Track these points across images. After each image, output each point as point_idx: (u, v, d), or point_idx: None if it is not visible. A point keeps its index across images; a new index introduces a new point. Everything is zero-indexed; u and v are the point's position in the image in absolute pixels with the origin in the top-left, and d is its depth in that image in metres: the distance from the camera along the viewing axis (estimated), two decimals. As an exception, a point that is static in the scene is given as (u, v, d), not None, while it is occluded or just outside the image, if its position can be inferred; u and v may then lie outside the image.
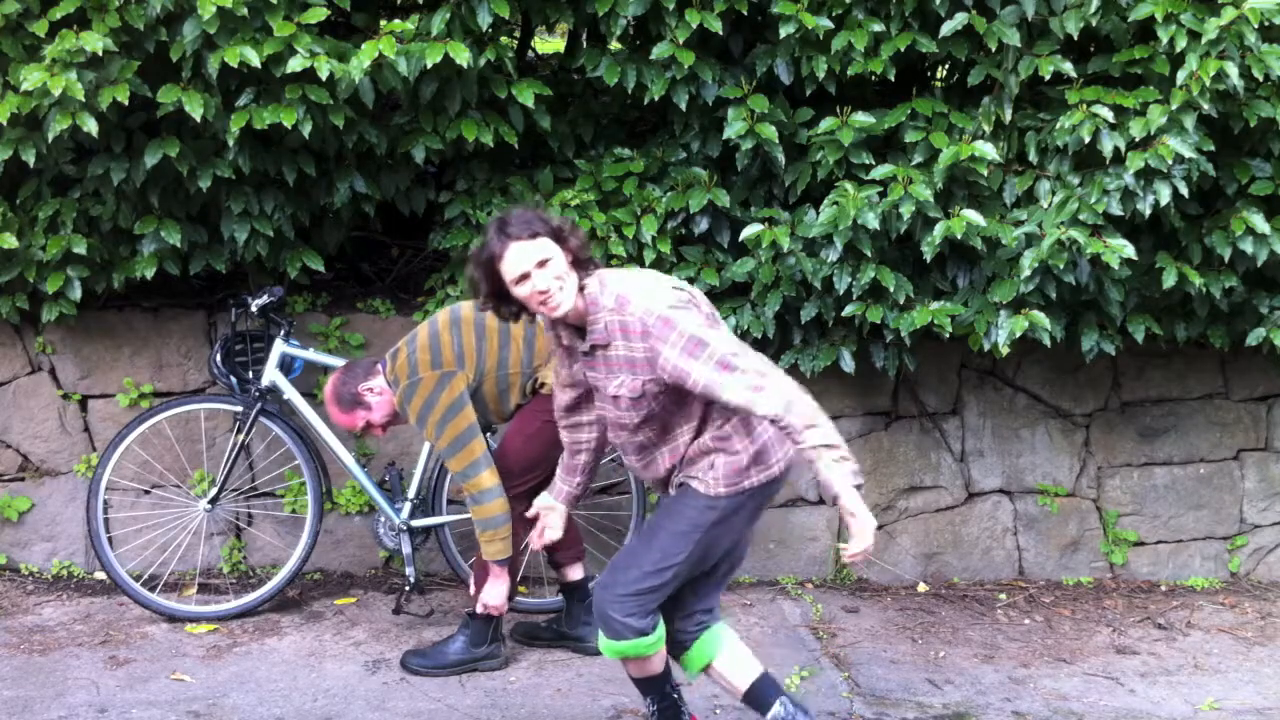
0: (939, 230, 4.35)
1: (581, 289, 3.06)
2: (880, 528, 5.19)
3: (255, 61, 4.07)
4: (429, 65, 4.22)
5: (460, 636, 4.24)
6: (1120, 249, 4.25)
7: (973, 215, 4.36)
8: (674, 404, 3.13)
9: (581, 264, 3.06)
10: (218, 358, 4.65)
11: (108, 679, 4.12)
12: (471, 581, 4.27)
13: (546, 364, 4.03)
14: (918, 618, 4.84)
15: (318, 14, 4.18)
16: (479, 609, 4.16)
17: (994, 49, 4.44)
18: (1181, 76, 4.21)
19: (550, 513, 3.64)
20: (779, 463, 3.21)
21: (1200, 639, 4.74)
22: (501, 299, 3.09)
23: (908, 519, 5.22)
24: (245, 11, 4.06)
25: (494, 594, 4.12)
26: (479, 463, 3.95)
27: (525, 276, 3.01)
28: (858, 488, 2.89)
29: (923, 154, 4.51)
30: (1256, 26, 4.12)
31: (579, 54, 4.84)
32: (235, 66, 4.07)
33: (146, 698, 3.99)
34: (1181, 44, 4.19)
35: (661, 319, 2.96)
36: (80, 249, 4.48)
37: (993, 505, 5.26)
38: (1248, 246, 4.42)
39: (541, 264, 3.00)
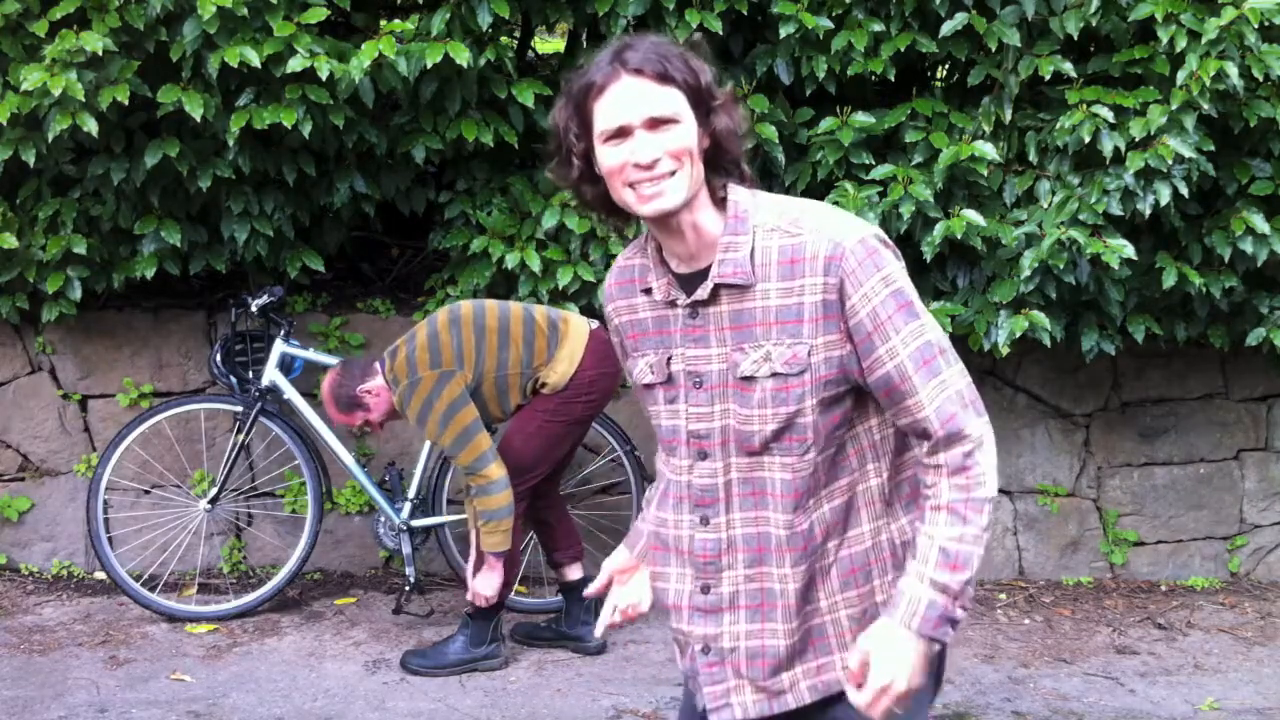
0: (939, 230, 4.35)
1: (716, 198, 1.89)
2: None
3: (255, 61, 4.07)
4: (429, 65, 4.22)
5: (460, 636, 4.24)
6: (1120, 249, 4.25)
7: (973, 215, 4.36)
8: (841, 420, 1.90)
9: (723, 162, 1.88)
10: (218, 358, 4.65)
11: (108, 679, 4.12)
12: (468, 576, 4.27)
13: (546, 365, 4.02)
14: (918, 618, 4.83)
15: (318, 14, 4.18)
16: (469, 596, 4.16)
17: (994, 49, 4.44)
18: (1181, 76, 4.21)
19: (628, 577, 2.24)
20: None
21: (1200, 639, 4.74)
22: (584, 163, 1.89)
23: (908, 519, 5.22)
24: (245, 11, 4.06)
25: (486, 584, 4.10)
26: (486, 455, 3.95)
27: (624, 132, 1.81)
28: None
29: (923, 154, 4.51)
30: (1256, 26, 4.12)
31: (579, 54, 4.84)
32: (235, 66, 4.07)
33: (146, 698, 3.99)
34: (1181, 44, 4.19)
35: (870, 250, 1.81)
36: (80, 249, 4.48)
37: (993, 505, 5.25)
38: (1248, 246, 4.42)
39: (656, 123, 1.80)
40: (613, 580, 2.22)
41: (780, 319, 1.85)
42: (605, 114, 1.83)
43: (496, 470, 3.96)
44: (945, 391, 1.81)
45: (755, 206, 1.89)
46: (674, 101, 1.81)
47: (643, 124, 1.80)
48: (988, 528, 1.86)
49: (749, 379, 1.86)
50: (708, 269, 1.88)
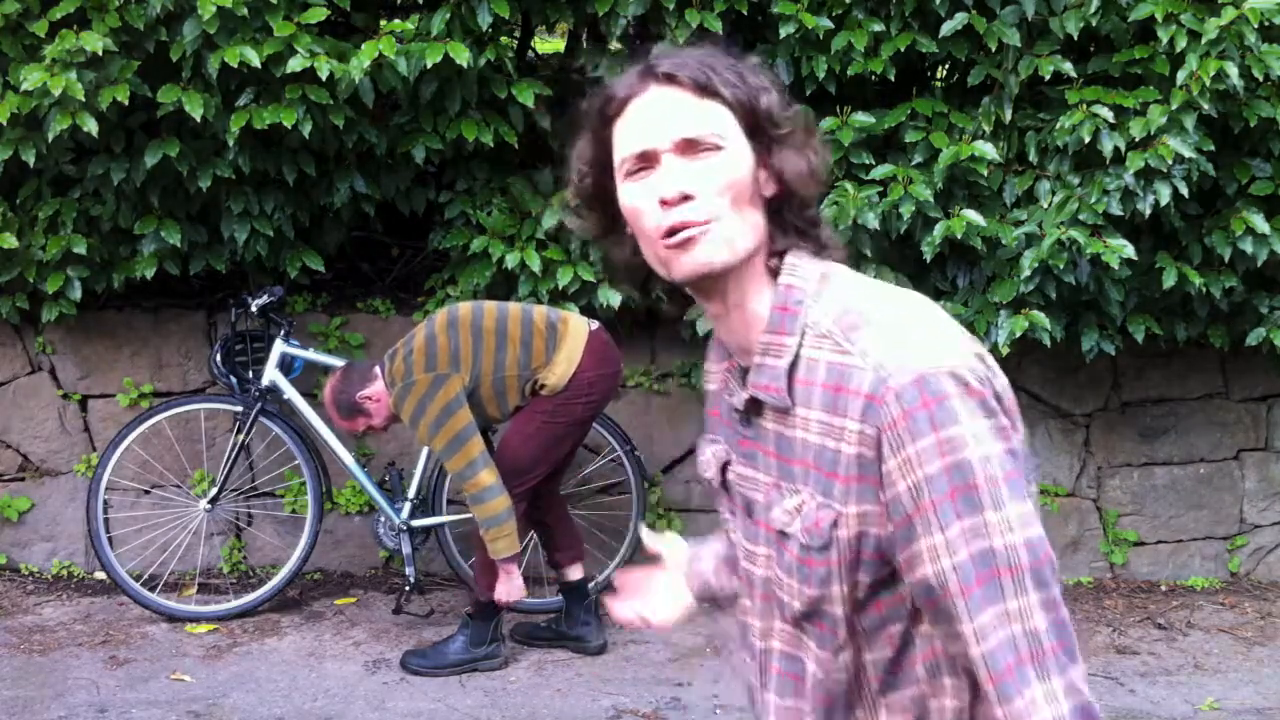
0: (939, 230, 4.35)
1: (774, 264, 1.38)
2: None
3: (255, 61, 4.07)
4: (429, 65, 4.22)
5: (460, 636, 4.24)
6: (1120, 249, 4.25)
7: (973, 215, 4.35)
8: (894, 614, 1.35)
9: (789, 218, 1.38)
10: (218, 358, 4.65)
11: (108, 679, 4.12)
12: (472, 580, 4.27)
13: (545, 366, 4.02)
14: (918, 618, 4.83)
15: (318, 14, 4.17)
16: (498, 601, 4.13)
17: (994, 49, 4.43)
18: (1181, 76, 4.21)
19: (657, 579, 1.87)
20: None
21: (1200, 639, 4.74)
22: (605, 211, 1.42)
23: (908, 519, 5.21)
24: (245, 11, 4.06)
25: (509, 590, 4.09)
26: (476, 462, 3.94)
27: (649, 160, 1.34)
28: None
29: (923, 154, 4.51)
30: (1256, 26, 4.12)
31: (579, 54, 4.84)
32: (235, 66, 4.07)
33: (146, 698, 3.99)
34: (1181, 44, 4.19)
35: (933, 396, 1.25)
36: (80, 249, 4.48)
37: None
38: (1248, 246, 4.42)
39: (691, 145, 1.33)
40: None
41: (818, 463, 1.33)
42: (625, 136, 1.35)
43: (487, 477, 3.95)
44: (1005, 630, 1.22)
45: (815, 294, 1.35)
46: (717, 119, 1.33)
47: (673, 146, 1.32)
48: None
49: (783, 534, 1.38)
50: None
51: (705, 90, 1.33)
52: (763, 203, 1.36)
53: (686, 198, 1.31)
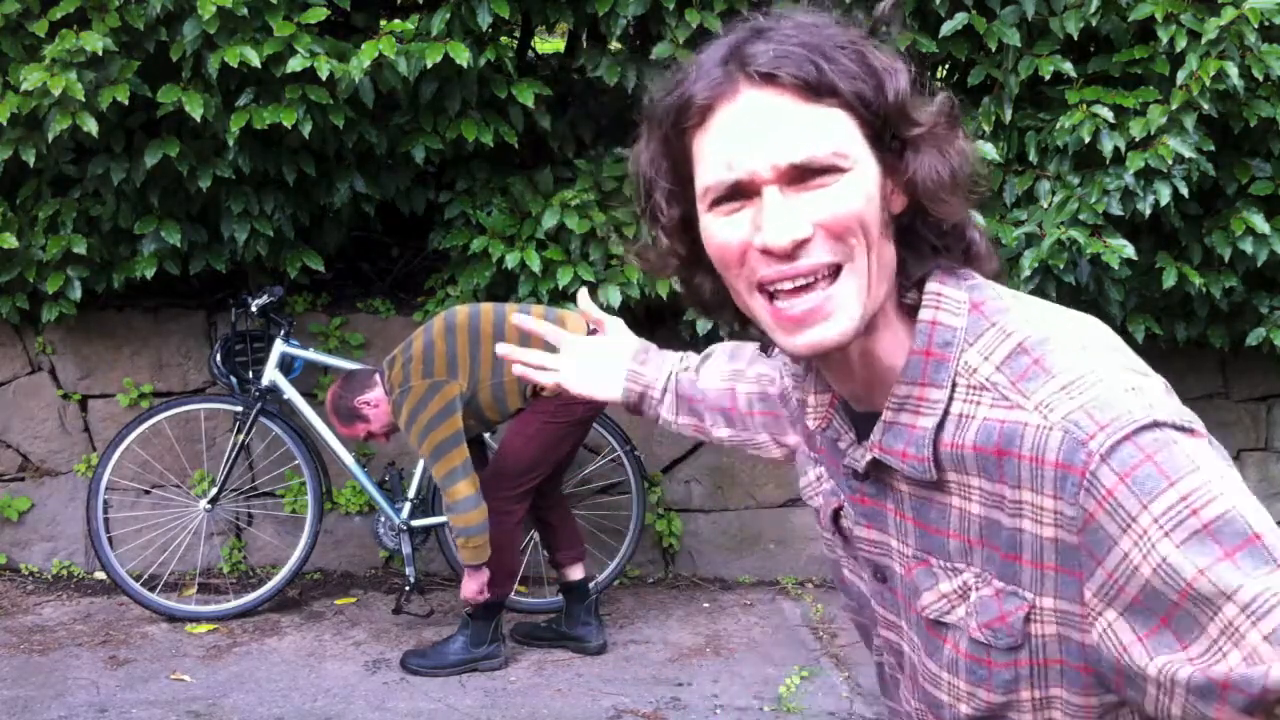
0: (939, 230, 4.35)
1: (911, 296, 1.11)
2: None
3: (255, 61, 4.07)
4: (429, 65, 4.22)
5: (460, 636, 4.24)
6: (1120, 249, 4.25)
7: (973, 215, 4.34)
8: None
9: (926, 236, 1.11)
10: (218, 358, 4.65)
11: (108, 679, 4.12)
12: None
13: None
14: (918, 618, 4.83)
15: (318, 14, 4.17)
16: (462, 600, 4.16)
17: (994, 49, 4.43)
18: (1181, 76, 4.21)
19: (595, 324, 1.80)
20: None
21: (1200, 639, 4.74)
22: (683, 239, 1.13)
23: (908, 519, 5.21)
24: (245, 11, 4.06)
25: (471, 588, 4.12)
26: (456, 472, 3.94)
27: (745, 191, 1.03)
28: None
29: (923, 154, 4.50)
30: (1256, 26, 4.12)
31: (579, 54, 4.83)
32: (235, 66, 4.07)
33: (146, 698, 3.99)
34: (1181, 44, 4.19)
35: (1153, 450, 0.95)
36: (80, 249, 4.47)
37: None
38: (1248, 246, 4.42)
39: (803, 173, 1.02)
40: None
41: (990, 541, 1.06)
42: (711, 157, 1.04)
43: (466, 488, 3.95)
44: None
45: (969, 329, 1.07)
46: (837, 131, 1.02)
47: (777, 176, 1.01)
48: None
49: (938, 624, 1.11)
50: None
51: (818, 91, 1.00)
52: (892, 224, 1.06)
53: (801, 245, 1.00)
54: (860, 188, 1.02)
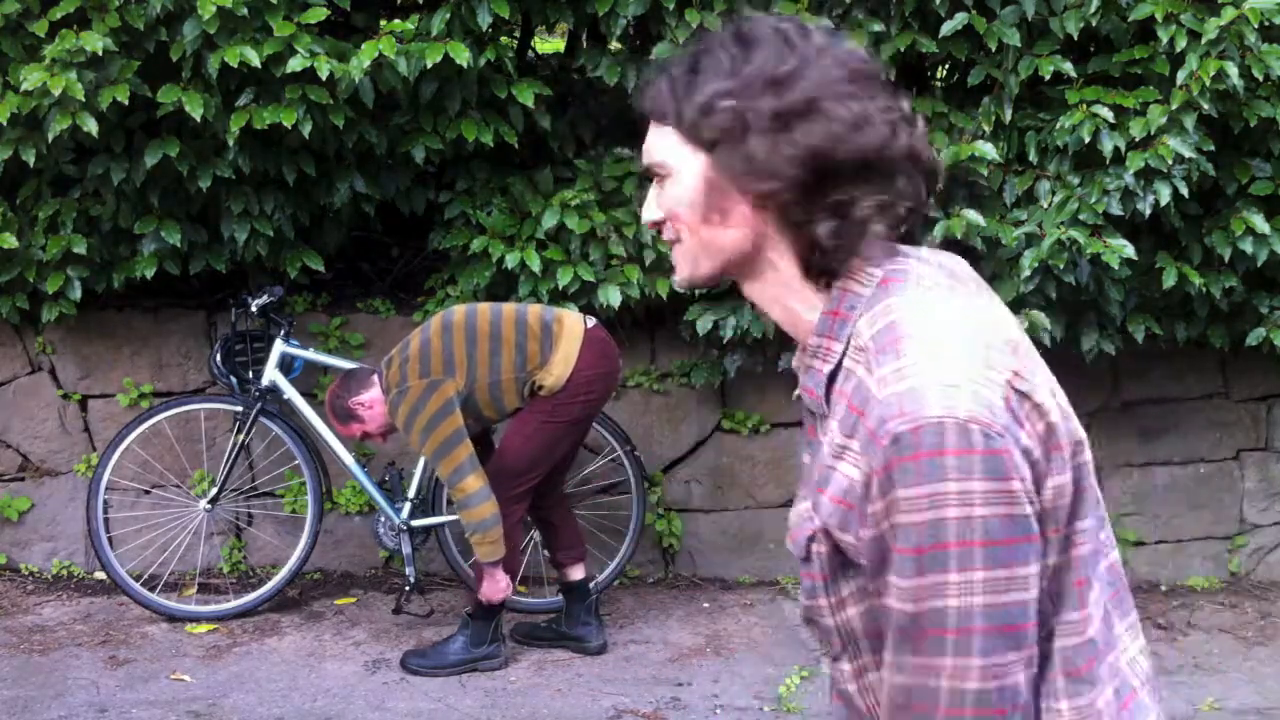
0: (939, 230, 4.35)
1: (830, 265, 1.29)
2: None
3: (255, 61, 4.07)
4: (429, 65, 4.22)
5: (460, 636, 4.24)
6: (1120, 249, 4.25)
7: (973, 215, 4.35)
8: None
9: (795, 205, 1.25)
10: (218, 358, 4.65)
11: (108, 679, 4.12)
12: (472, 580, 4.27)
13: (541, 368, 4.02)
14: (918, 618, 4.83)
15: (318, 14, 4.18)
16: (483, 601, 4.15)
17: (994, 49, 4.43)
18: (1181, 76, 4.21)
19: None
20: None
21: (1200, 639, 4.74)
22: None
23: (908, 519, 5.21)
24: (245, 11, 4.06)
25: (493, 589, 4.11)
26: (463, 467, 3.94)
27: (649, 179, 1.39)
28: None
29: (923, 154, 4.50)
30: (1256, 26, 4.12)
31: (579, 54, 4.84)
32: (235, 66, 4.07)
33: (146, 698, 3.99)
34: (1181, 44, 4.19)
35: (935, 447, 1.17)
36: (80, 249, 4.47)
37: None
38: (1248, 246, 4.42)
39: (657, 175, 1.34)
40: None
41: (821, 476, 1.29)
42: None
43: (474, 482, 3.95)
44: (934, 682, 1.19)
45: (871, 299, 1.28)
46: (663, 144, 1.31)
47: (651, 174, 1.34)
48: None
49: (792, 533, 1.36)
50: None
51: (655, 116, 1.31)
52: (755, 209, 1.27)
53: (658, 225, 1.35)
54: (675, 189, 1.30)
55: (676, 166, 1.29)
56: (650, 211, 1.35)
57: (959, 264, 1.37)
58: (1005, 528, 1.16)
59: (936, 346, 1.20)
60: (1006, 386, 1.20)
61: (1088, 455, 1.29)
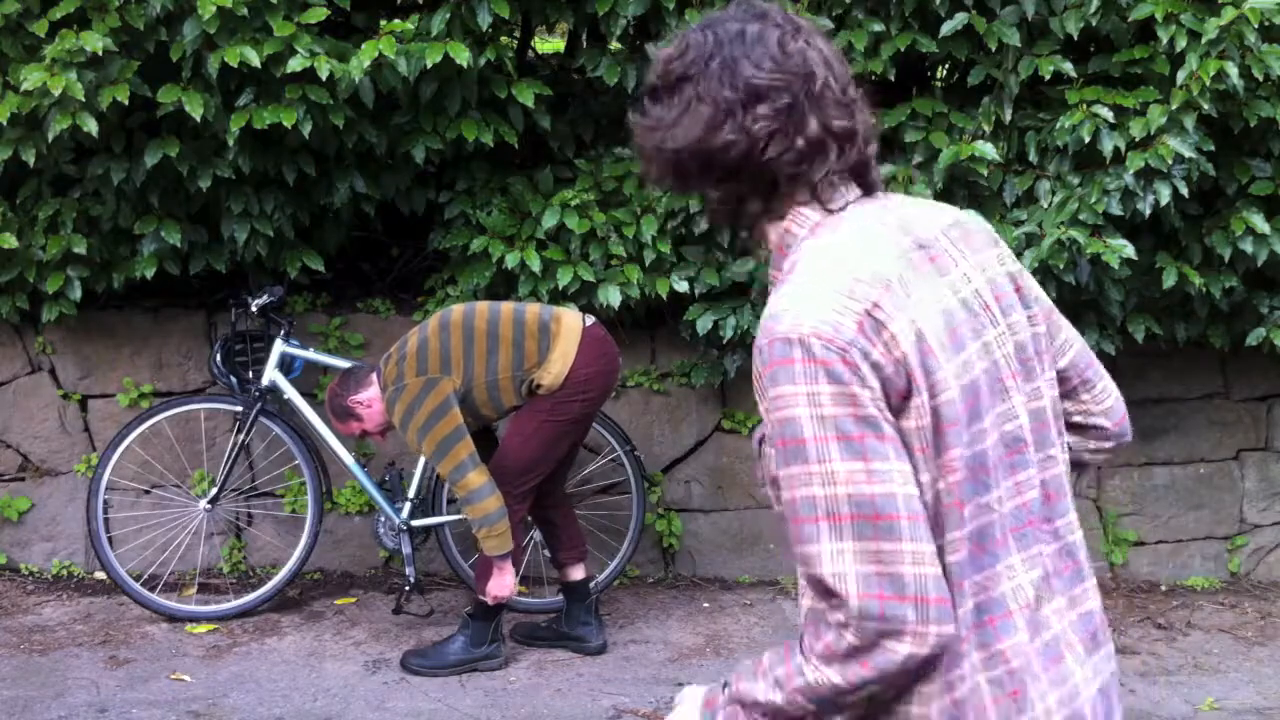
0: (939, 230, 4.35)
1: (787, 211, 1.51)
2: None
3: (255, 61, 4.07)
4: (429, 65, 4.22)
5: (460, 636, 4.24)
6: (1120, 249, 4.25)
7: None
8: None
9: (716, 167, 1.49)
10: (218, 358, 4.65)
11: (108, 679, 4.12)
12: (473, 580, 4.27)
13: (539, 366, 4.02)
14: (918, 618, 4.83)
15: (318, 14, 4.17)
16: (489, 601, 4.15)
17: (994, 49, 4.43)
18: (1181, 76, 4.21)
19: None
20: None
21: (1200, 639, 4.74)
22: None
23: (908, 519, 5.20)
24: (245, 11, 4.06)
25: (500, 586, 4.11)
26: (465, 464, 3.94)
27: None
28: None
29: (923, 154, 4.51)
30: (1256, 26, 4.12)
31: (579, 54, 4.84)
32: (235, 66, 4.07)
33: (146, 698, 3.99)
34: (1181, 44, 4.19)
35: (775, 360, 1.40)
36: (80, 249, 4.48)
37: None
38: (1248, 246, 4.42)
39: None
40: None
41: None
42: None
43: (477, 478, 3.95)
44: (811, 567, 1.38)
45: (804, 238, 1.49)
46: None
47: None
48: (794, 702, 1.42)
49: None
50: None
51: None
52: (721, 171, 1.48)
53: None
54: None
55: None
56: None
57: (934, 221, 1.54)
58: (856, 425, 1.35)
59: (808, 279, 1.42)
60: (863, 313, 1.38)
61: (950, 396, 1.41)
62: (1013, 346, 1.51)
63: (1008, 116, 4.51)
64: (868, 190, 1.53)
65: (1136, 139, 4.25)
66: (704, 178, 1.48)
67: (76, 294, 4.59)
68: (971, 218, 1.60)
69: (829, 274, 1.42)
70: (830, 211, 1.49)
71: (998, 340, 1.49)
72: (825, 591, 1.37)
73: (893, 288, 1.41)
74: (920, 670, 1.38)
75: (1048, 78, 4.40)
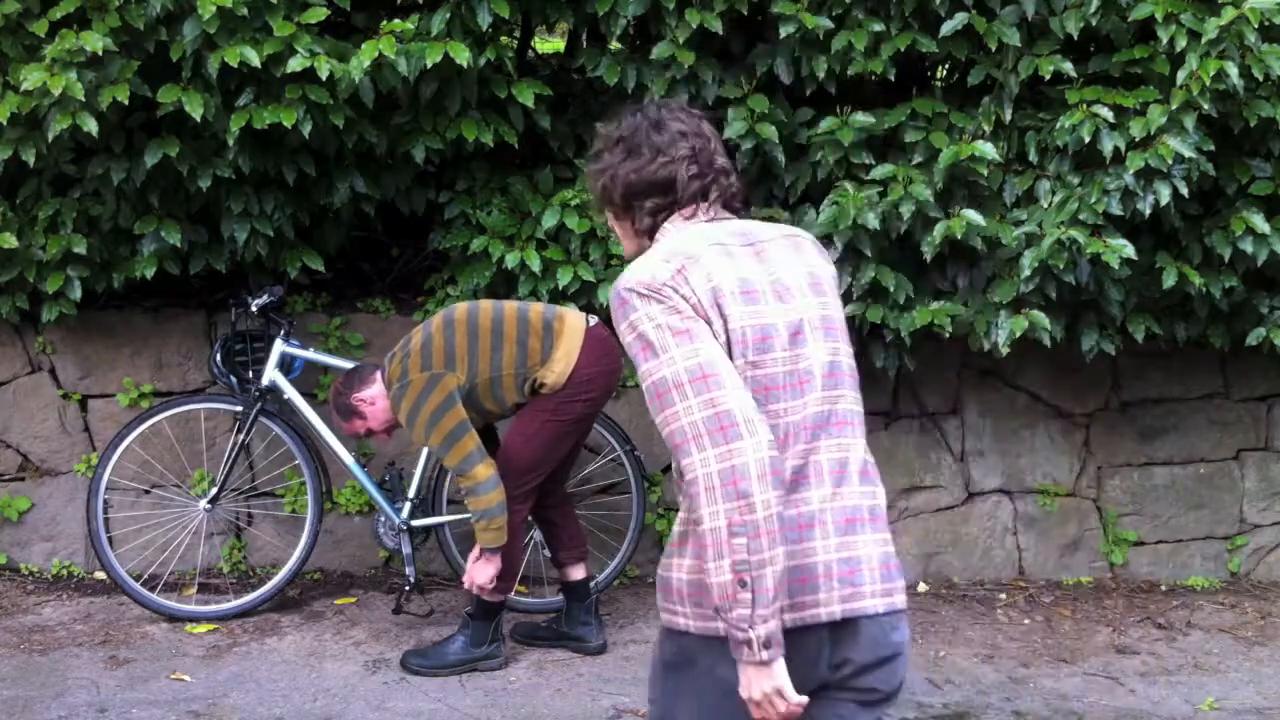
0: (939, 230, 4.35)
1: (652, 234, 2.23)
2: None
3: (255, 61, 4.07)
4: (429, 65, 4.22)
5: (460, 636, 4.24)
6: (1120, 249, 4.25)
7: (973, 215, 4.36)
8: None
9: (630, 219, 2.22)
10: (218, 358, 4.65)
11: (108, 679, 4.12)
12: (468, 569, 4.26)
13: (542, 365, 4.02)
14: (918, 617, 4.84)
15: (318, 14, 4.18)
16: (466, 585, 4.15)
17: (994, 49, 4.44)
18: (1181, 76, 4.21)
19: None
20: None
21: (1200, 639, 4.74)
22: None
23: (908, 519, 5.22)
24: (245, 11, 4.06)
25: (482, 573, 4.09)
26: (472, 456, 3.95)
27: None
28: None
29: (923, 154, 4.51)
30: (1256, 26, 4.12)
31: (579, 54, 4.84)
32: (235, 66, 4.07)
33: (146, 698, 3.99)
34: (1181, 44, 4.19)
35: (620, 301, 2.06)
36: (80, 249, 4.48)
37: (993, 505, 5.26)
38: (1248, 246, 4.42)
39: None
40: None
41: None
42: None
43: (484, 470, 3.95)
44: (677, 423, 1.96)
45: (663, 238, 2.19)
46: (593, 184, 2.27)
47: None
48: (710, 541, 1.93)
49: None
50: None
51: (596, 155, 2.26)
52: (618, 213, 2.23)
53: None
54: (596, 202, 2.31)
55: (592, 190, 2.28)
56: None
57: (773, 232, 2.20)
58: (681, 322, 2.00)
59: (651, 253, 2.11)
60: (675, 270, 2.04)
61: (736, 327, 2.02)
62: (819, 317, 2.11)
63: (1008, 116, 4.51)
64: (735, 213, 2.22)
65: (1136, 139, 4.25)
66: (644, 195, 2.16)
67: (76, 294, 4.59)
68: (808, 236, 2.26)
69: (660, 250, 2.11)
70: (688, 220, 2.16)
71: (805, 307, 2.09)
72: (686, 441, 1.94)
73: (695, 259, 2.06)
74: (777, 472, 1.93)
75: (1048, 78, 4.40)
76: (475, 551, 4.13)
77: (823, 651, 2.04)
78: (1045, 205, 4.44)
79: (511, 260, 4.58)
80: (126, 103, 4.09)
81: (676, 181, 2.15)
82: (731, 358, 2.00)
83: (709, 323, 2.01)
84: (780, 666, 1.91)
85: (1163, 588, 5.25)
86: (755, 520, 1.88)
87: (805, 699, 1.94)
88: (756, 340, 2.03)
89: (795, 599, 2.00)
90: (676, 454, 1.96)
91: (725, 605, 1.89)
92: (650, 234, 2.19)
